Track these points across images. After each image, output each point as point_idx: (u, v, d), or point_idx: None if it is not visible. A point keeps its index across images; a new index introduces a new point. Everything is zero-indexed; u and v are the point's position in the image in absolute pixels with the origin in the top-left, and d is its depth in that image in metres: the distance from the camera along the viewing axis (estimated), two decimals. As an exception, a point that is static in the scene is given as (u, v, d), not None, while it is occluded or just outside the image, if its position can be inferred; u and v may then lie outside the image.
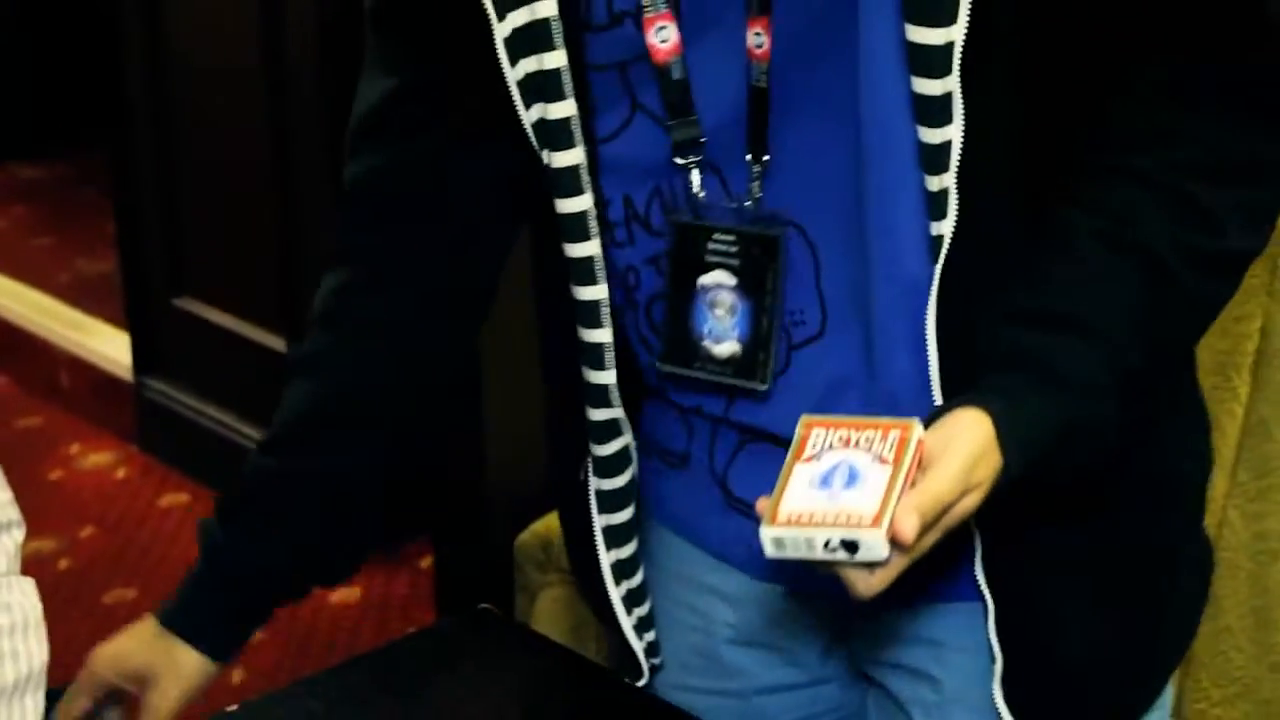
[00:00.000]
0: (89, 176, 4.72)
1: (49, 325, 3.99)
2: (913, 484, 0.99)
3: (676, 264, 1.16)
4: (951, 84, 1.01)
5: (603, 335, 1.18)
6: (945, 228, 1.05)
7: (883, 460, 0.99)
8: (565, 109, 1.12)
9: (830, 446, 1.02)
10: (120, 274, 3.64)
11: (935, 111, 1.02)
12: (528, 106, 1.13)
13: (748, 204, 1.13)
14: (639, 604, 1.32)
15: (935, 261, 1.06)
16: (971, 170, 1.04)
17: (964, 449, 1.00)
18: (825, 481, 1.00)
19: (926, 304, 1.08)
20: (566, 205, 1.15)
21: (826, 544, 0.97)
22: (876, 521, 0.96)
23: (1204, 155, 1.05)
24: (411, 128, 1.21)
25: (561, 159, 1.13)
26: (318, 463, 1.27)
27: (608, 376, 1.20)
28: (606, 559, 1.29)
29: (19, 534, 1.55)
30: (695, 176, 1.14)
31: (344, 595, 3.02)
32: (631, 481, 1.27)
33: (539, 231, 1.22)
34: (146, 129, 3.41)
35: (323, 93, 2.95)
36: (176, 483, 3.47)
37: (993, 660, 1.18)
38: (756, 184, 1.12)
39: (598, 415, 1.23)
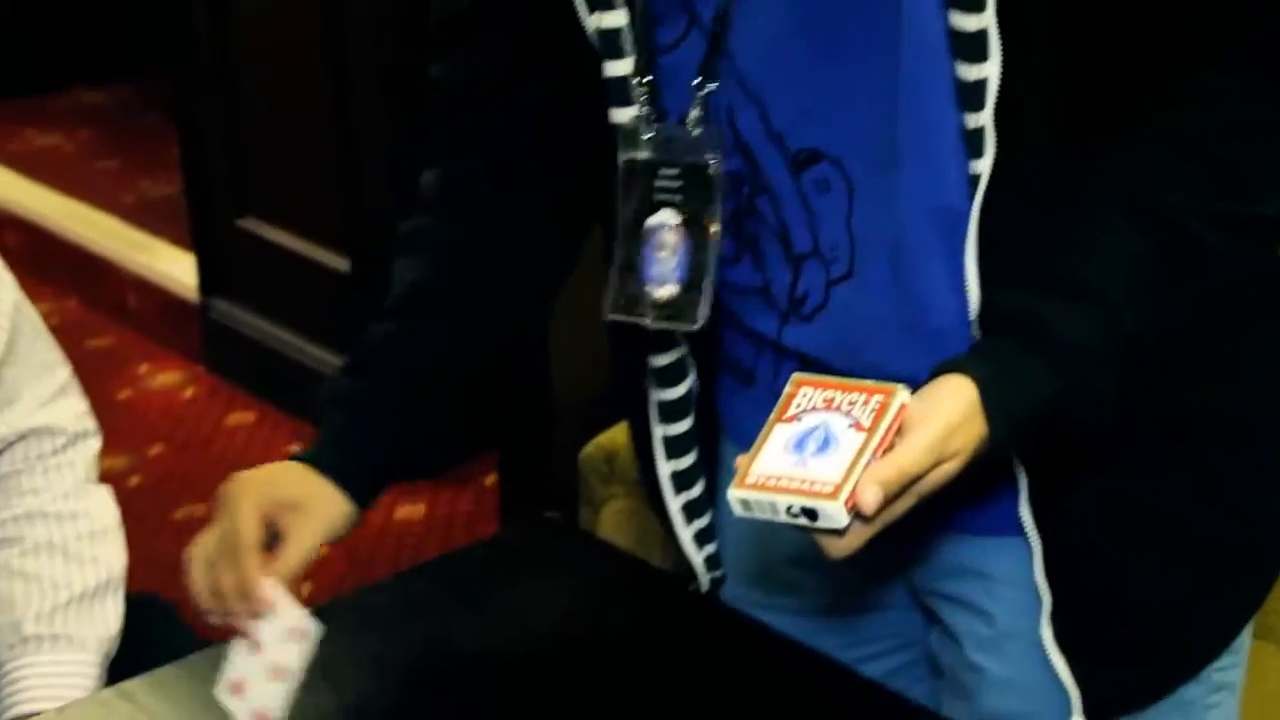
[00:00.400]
0: (152, 100, 4.73)
1: (116, 247, 4.02)
2: (890, 449, 0.98)
3: (627, 206, 1.15)
4: (988, 19, 1.01)
5: None
6: (983, 166, 1.05)
7: (859, 426, 0.99)
8: (617, 19, 1.14)
9: (813, 408, 1.01)
10: (185, 196, 3.66)
11: (972, 47, 1.02)
12: (591, 12, 1.15)
13: (685, 131, 1.13)
14: (699, 516, 1.33)
15: (973, 200, 1.06)
16: (1008, 109, 1.04)
17: (943, 418, 1.00)
18: (800, 445, 0.99)
19: (965, 242, 1.08)
20: (618, 115, 1.17)
21: (789, 509, 0.97)
22: (837, 491, 0.96)
23: (1236, 117, 1.04)
24: (492, 40, 1.24)
25: (613, 68, 1.15)
26: (436, 328, 1.28)
27: None
28: (665, 469, 1.31)
29: (95, 443, 1.59)
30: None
31: (409, 512, 3.05)
32: (689, 392, 1.28)
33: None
34: (210, 53, 3.42)
35: (382, 12, 2.95)
36: (243, 402, 3.50)
37: (1040, 599, 1.18)
38: (696, 111, 1.13)
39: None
